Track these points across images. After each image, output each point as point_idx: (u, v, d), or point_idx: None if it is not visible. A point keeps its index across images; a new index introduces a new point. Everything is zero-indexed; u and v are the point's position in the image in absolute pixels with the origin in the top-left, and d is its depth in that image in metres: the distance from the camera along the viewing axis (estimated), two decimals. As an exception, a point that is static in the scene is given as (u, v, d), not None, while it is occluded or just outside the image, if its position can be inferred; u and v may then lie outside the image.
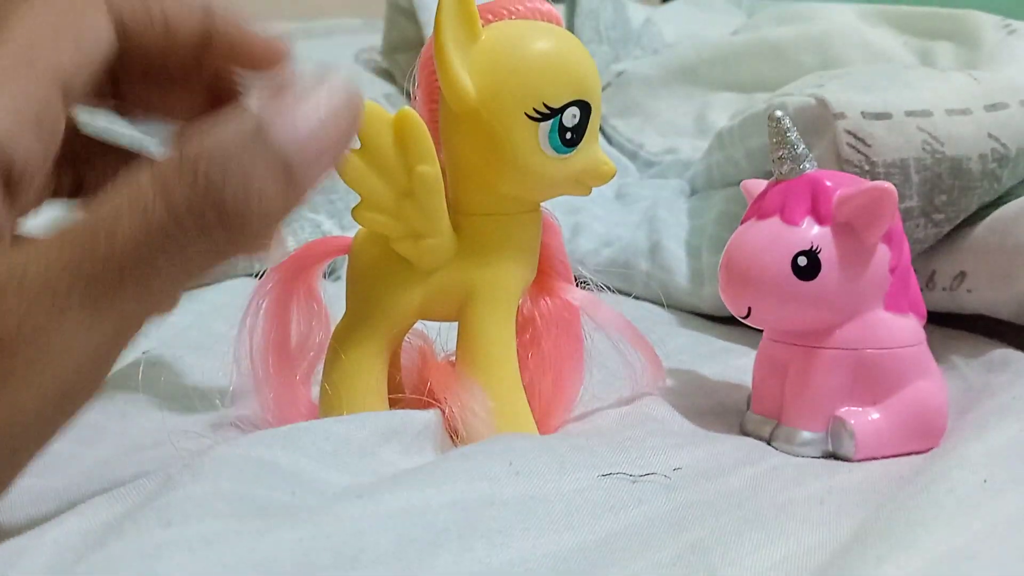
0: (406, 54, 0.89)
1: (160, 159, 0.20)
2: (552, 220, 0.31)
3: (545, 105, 0.27)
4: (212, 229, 0.20)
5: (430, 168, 0.27)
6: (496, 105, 0.27)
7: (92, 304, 0.19)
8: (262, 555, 0.19)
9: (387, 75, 0.91)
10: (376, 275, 0.29)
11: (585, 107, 0.28)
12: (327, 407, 0.29)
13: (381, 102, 0.86)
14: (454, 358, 0.30)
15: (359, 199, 0.27)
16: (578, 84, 0.27)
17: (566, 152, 0.28)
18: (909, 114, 0.41)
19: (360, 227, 0.29)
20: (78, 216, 0.20)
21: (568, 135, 0.27)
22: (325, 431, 0.25)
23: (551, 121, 0.27)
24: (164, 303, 0.21)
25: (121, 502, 0.21)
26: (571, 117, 0.27)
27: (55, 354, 0.19)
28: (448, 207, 0.28)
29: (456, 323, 0.30)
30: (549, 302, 0.31)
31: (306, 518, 0.21)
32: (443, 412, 0.28)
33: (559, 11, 0.30)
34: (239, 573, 0.19)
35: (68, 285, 0.19)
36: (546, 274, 0.31)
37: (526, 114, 0.27)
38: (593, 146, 0.29)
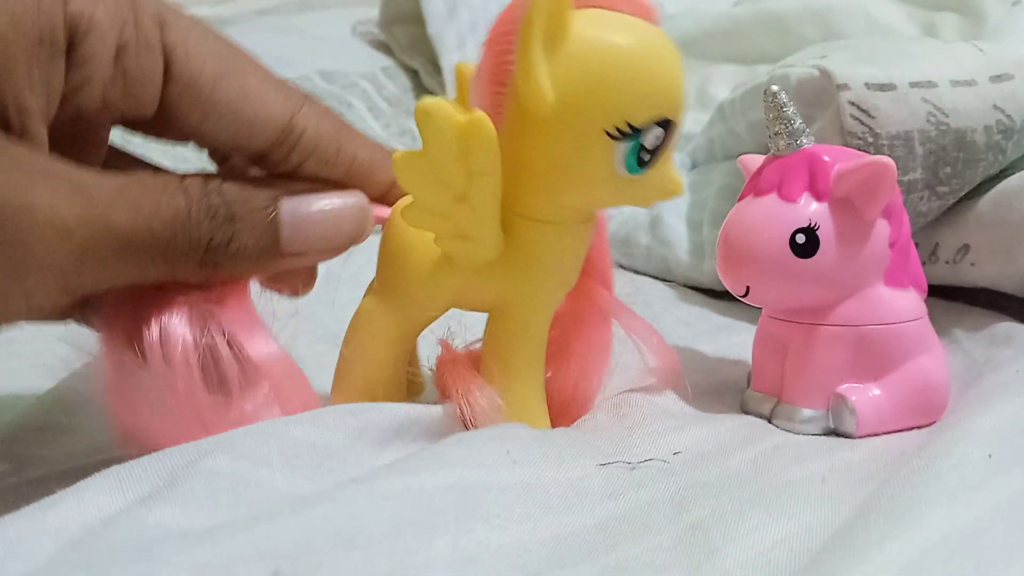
0: (403, 26, 0.88)
1: (193, 176, 0.24)
2: (601, 215, 0.29)
3: (628, 124, 0.24)
4: (191, 252, 0.24)
5: (491, 178, 0.25)
6: (574, 118, 0.24)
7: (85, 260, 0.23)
8: (259, 535, 0.19)
9: (384, 48, 0.90)
10: (412, 260, 0.27)
11: (668, 125, 0.25)
12: (342, 387, 0.28)
13: (378, 75, 0.85)
14: (475, 347, 0.29)
15: (411, 200, 0.25)
16: (665, 101, 0.25)
17: (639, 172, 0.25)
18: (913, 85, 0.41)
19: (400, 205, 0.28)
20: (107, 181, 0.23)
21: (645, 156, 0.25)
22: (327, 448, 0.24)
23: (631, 142, 0.24)
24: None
25: (122, 488, 0.21)
26: (653, 138, 0.25)
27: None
28: (503, 203, 0.26)
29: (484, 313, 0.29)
30: (584, 304, 0.30)
31: (303, 502, 0.21)
32: (456, 404, 0.27)
33: None
34: (236, 553, 0.19)
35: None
36: (587, 275, 0.30)
37: (606, 131, 0.24)
38: (666, 164, 0.26)
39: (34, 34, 0.23)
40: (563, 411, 0.30)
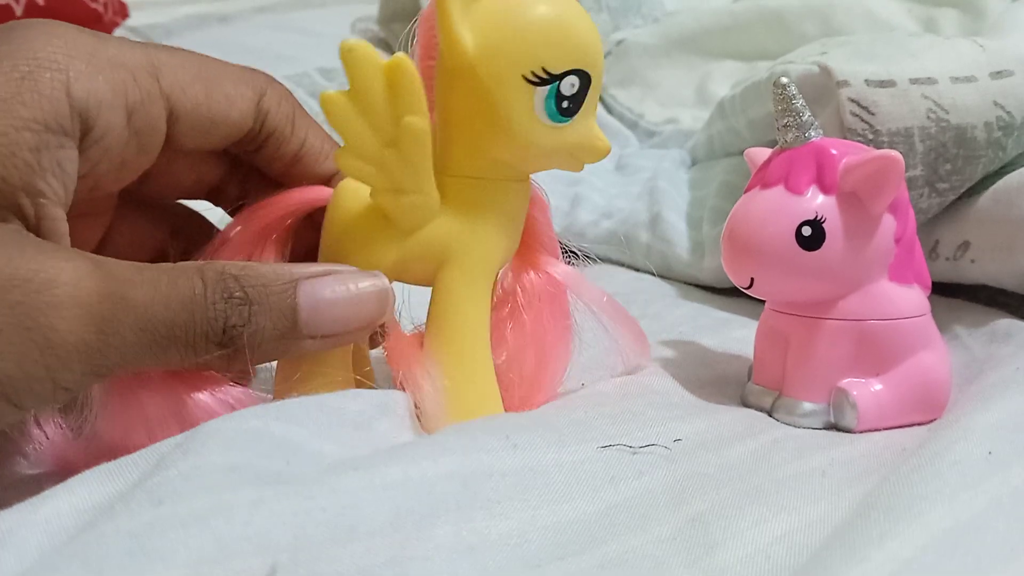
0: (403, 23, 0.87)
1: (211, 262, 0.25)
2: (541, 195, 0.31)
3: (544, 70, 0.26)
4: (211, 333, 0.24)
5: (418, 120, 0.26)
6: (493, 64, 0.26)
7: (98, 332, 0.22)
8: (256, 528, 0.19)
9: (384, 44, 0.90)
10: (352, 228, 0.28)
11: (585, 77, 0.27)
12: (287, 371, 0.28)
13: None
14: (423, 328, 0.29)
15: (343, 144, 0.26)
16: (580, 53, 0.27)
17: (561, 122, 0.27)
18: (914, 82, 0.41)
19: (343, 179, 0.29)
20: (124, 265, 0.23)
21: (565, 104, 0.27)
22: (319, 403, 0.25)
23: (548, 87, 0.26)
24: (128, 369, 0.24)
25: (112, 480, 0.21)
26: (569, 86, 0.26)
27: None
28: (435, 167, 0.27)
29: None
30: (533, 276, 0.30)
31: (301, 490, 0.20)
32: (401, 388, 0.28)
33: None
34: (233, 547, 0.19)
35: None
36: (531, 248, 0.31)
37: (524, 77, 0.26)
38: (589, 120, 0.28)
39: (37, 125, 0.23)
40: (532, 387, 0.30)
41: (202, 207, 0.32)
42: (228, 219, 0.31)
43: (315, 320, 0.25)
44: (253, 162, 0.30)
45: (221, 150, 0.29)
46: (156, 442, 0.23)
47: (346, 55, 0.25)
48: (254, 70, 0.29)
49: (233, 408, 0.25)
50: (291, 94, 0.30)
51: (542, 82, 0.26)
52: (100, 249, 0.30)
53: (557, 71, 0.26)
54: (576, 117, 0.27)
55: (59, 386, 0.22)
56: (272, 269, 0.25)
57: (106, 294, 0.22)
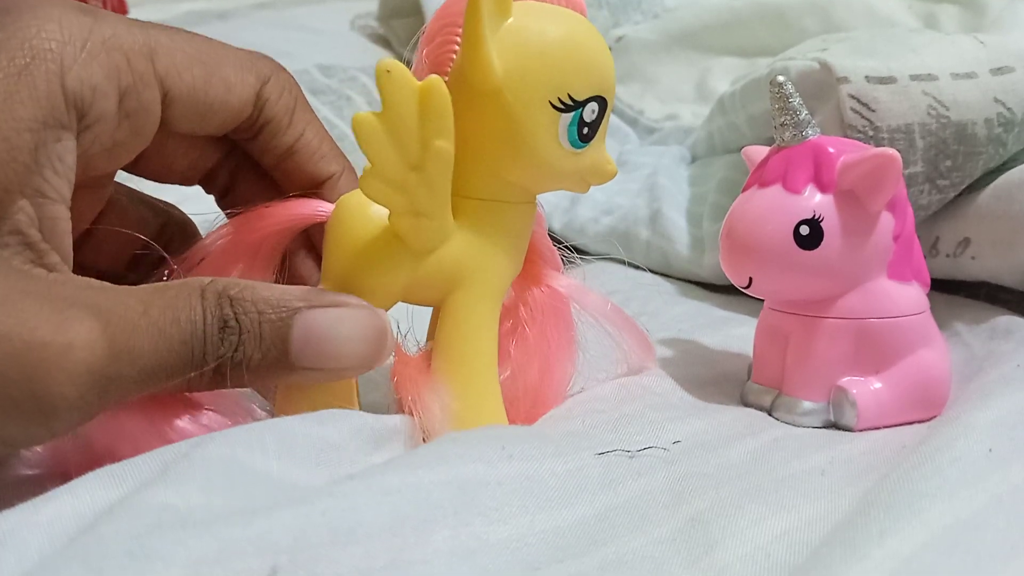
0: (402, 20, 0.88)
1: (213, 280, 0.24)
2: (539, 210, 0.30)
3: (570, 96, 0.26)
4: (205, 365, 0.23)
5: (448, 144, 0.25)
6: (522, 88, 0.26)
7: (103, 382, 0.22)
8: (257, 530, 0.19)
9: (383, 41, 0.90)
10: (360, 249, 0.27)
11: (603, 104, 0.27)
12: (289, 394, 0.27)
13: (377, 69, 0.85)
14: (427, 349, 0.29)
15: (369, 166, 0.25)
16: (601, 80, 0.27)
17: (580, 147, 0.27)
18: (914, 78, 0.41)
19: (345, 195, 0.28)
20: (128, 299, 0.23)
21: (585, 130, 0.27)
22: (322, 439, 0.24)
23: (573, 114, 0.26)
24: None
25: (115, 483, 0.21)
26: (591, 112, 0.27)
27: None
28: None
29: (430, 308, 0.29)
30: (536, 291, 0.30)
31: (301, 495, 0.21)
32: (408, 412, 0.27)
33: None
34: (233, 548, 0.19)
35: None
36: (532, 262, 0.30)
37: (550, 103, 0.26)
38: (601, 145, 0.28)
39: (36, 123, 0.23)
40: (532, 405, 0.30)
41: (194, 192, 0.32)
42: (216, 210, 0.31)
43: (307, 353, 0.25)
44: (247, 150, 0.30)
45: (219, 136, 0.29)
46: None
47: (382, 76, 0.24)
48: (260, 55, 0.29)
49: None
50: (296, 85, 0.29)
51: (567, 108, 0.26)
52: (89, 243, 0.29)
53: (581, 98, 0.26)
54: (592, 142, 0.27)
55: (55, 432, 0.22)
56: (274, 294, 0.24)
57: (115, 354, 0.22)
